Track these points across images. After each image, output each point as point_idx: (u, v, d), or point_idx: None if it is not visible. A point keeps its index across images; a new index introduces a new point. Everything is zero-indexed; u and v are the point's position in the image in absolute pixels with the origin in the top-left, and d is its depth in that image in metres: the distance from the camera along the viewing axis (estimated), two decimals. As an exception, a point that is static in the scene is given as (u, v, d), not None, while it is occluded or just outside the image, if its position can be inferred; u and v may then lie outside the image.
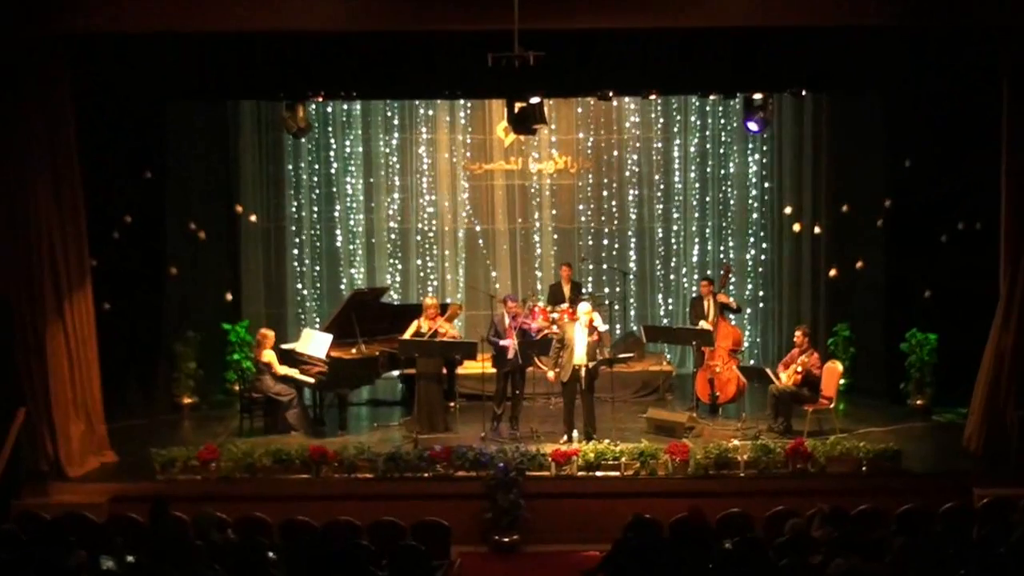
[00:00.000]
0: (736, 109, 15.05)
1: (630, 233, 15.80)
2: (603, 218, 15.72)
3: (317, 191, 15.50)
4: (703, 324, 13.02)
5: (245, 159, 14.90)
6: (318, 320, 15.15)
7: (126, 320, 13.08)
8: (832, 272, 14.13)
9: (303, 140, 14.84)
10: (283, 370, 12.46)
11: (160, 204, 13.61)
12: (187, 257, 13.88)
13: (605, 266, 15.67)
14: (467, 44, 10.84)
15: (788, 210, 14.93)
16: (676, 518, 8.84)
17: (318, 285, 15.64)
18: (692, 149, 15.62)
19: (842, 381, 12.75)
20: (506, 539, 10.63)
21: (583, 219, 15.72)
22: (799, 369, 12.14)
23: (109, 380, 12.06)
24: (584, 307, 11.87)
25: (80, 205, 11.45)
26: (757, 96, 12.74)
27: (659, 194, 15.74)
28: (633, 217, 15.77)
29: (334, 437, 12.07)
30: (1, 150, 11.03)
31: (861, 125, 14.12)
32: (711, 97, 14.41)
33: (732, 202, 15.64)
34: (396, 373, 13.78)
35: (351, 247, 15.62)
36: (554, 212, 15.72)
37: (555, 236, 15.74)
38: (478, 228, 15.70)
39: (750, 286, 15.66)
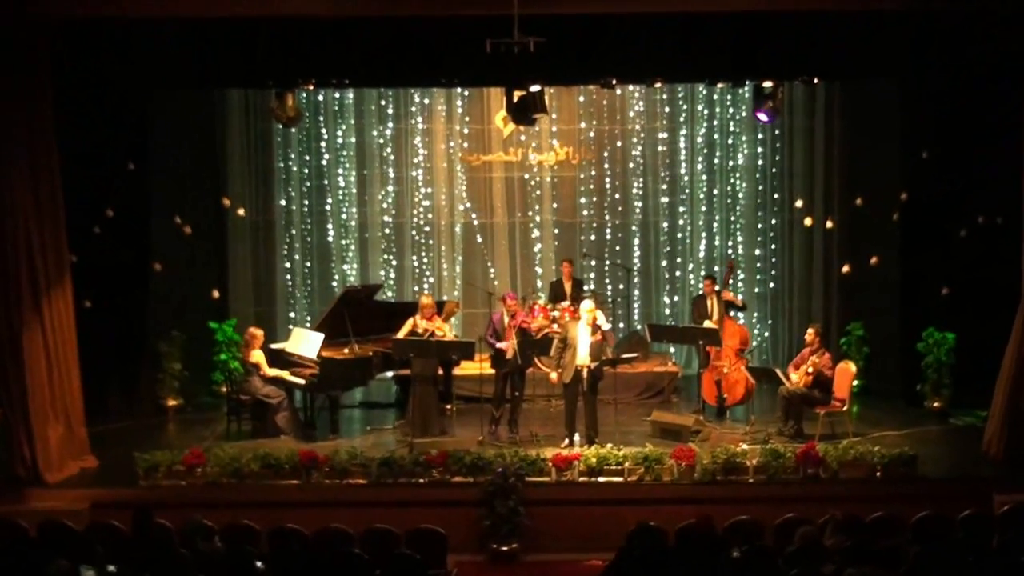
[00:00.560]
0: (745, 98, 15.08)
1: (634, 228, 15.81)
2: (606, 212, 15.73)
3: (308, 183, 15.50)
4: (708, 324, 12.99)
5: (233, 150, 14.89)
6: (309, 319, 15.15)
7: (108, 318, 13.05)
8: (845, 268, 14.08)
9: (293, 130, 14.84)
10: (272, 371, 12.44)
11: (144, 197, 13.58)
12: (172, 253, 13.82)
13: (608, 262, 15.66)
14: (465, 30, 10.82)
15: (799, 204, 14.90)
16: (682, 526, 8.79)
17: (309, 282, 15.65)
18: (699, 140, 15.63)
19: (855, 382, 12.69)
20: (505, 548, 10.59)
21: (585, 213, 15.72)
22: (810, 370, 12.11)
23: (90, 381, 12.02)
24: (587, 305, 11.84)
25: (59, 197, 11.40)
26: (767, 84, 12.70)
27: (664, 187, 15.75)
28: (637, 211, 15.77)
29: (325, 441, 12.05)
30: (-25, 139, 11.01)
31: (875, 114, 14.10)
32: (718, 85, 14.39)
33: (741, 195, 15.64)
34: (390, 374, 13.79)
35: (343, 242, 15.62)
36: (555, 206, 15.72)
37: (556, 231, 15.75)
38: (476, 222, 15.69)
39: (759, 283, 15.66)
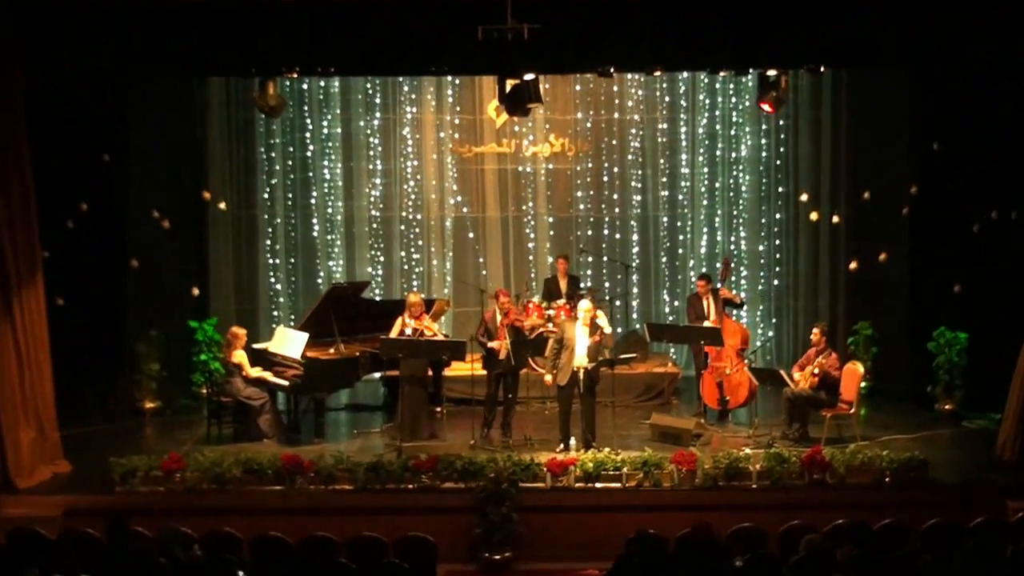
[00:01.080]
0: (748, 86, 15.07)
1: (632, 222, 15.81)
2: (603, 206, 15.73)
3: (292, 176, 15.48)
4: (707, 325, 12.99)
5: (213, 141, 14.84)
6: (293, 317, 15.11)
7: (82, 317, 13.01)
8: (852, 265, 14.08)
9: (276, 120, 14.75)
10: (255, 372, 12.42)
11: (120, 190, 13.56)
12: (150, 248, 13.80)
13: (605, 258, 15.64)
14: (456, 15, 10.80)
15: (804, 197, 14.91)
16: (682, 533, 8.80)
17: (293, 279, 15.64)
18: (700, 130, 15.63)
19: (863, 384, 12.73)
20: (497, 556, 10.57)
21: (581, 207, 15.72)
22: (816, 371, 12.11)
23: (63, 383, 11.99)
24: (585, 304, 11.82)
25: (30, 190, 11.36)
26: (771, 72, 12.68)
27: (664, 180, 15.75)
28: (636, 205, 15.77)
29: (310, 445, 12.04)
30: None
31: (884, 104, 14.09)
32: (721, 73, 14.39)
33: (743, 189, 15.65)
34: (378, 375, 13.77)
35: (329, 237, 15.60)
36: (550, 199, 15.73)
37: (551, 225, 15.73)
38: (467, 217, 15.68)
39: (763, 280, 15.68)
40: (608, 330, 12.05)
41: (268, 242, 15.46)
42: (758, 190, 15.58)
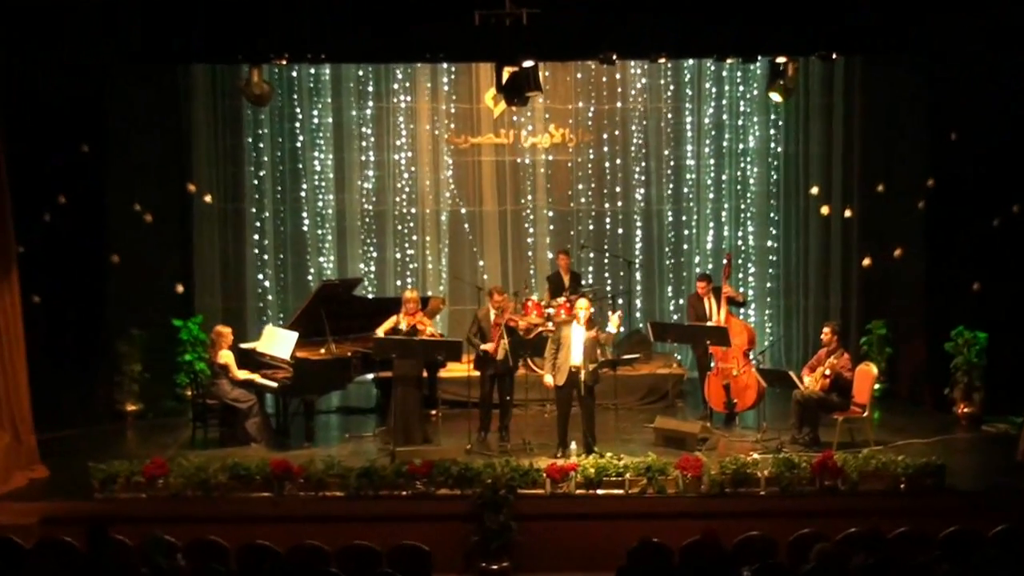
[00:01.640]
0: (757, 74, 15.05)
1: (635, 217, 15.82)
2: (605, 200, 15.74)
3: (281, 168, 15.48)
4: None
5: (199, 131, 14.83)
6: (282, 316, 15.11)
7: (59, 315, 13.02)
8: (866, 261, 14.03)
9: (264, 109, 14.73)
10: (242, 373, 12.42)
11: (100, 182, 13.54)
12: (131, 243, 13.72)
13: (607, 254, 15.63)
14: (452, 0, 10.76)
15: (815, 190, 14.87)
16: (687, 543, 8.79)
17: (282, 275, 15.63)
18: (706, 120, 15.63)
19: (877, 386, 12.73)
20: (495, 566, 10.57)
21: (582, 200, 15.73)
22: (827, 372, 12.10)
23: (40, 384, 11.98)
24: (582, 302, 11.82)
25: (4, 182, 11.35)
26: (780, 59, 12.67)
27: (668, 172, 15.76)
28: (639, 198, 15.78)
29: (300, 450, 12.03)
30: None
31: (900, 92, 14.12)
32: (728, 61, 14.37)
33: (752, 181, 15.65)
34: (370, 376, 13.76)
35: (320, 232, 15.61)
36: (549, 192, 15.69)
37: (550, 219, 15.74)
38: (463, 211, 15.68)
39: (771, 277, 15.68)
40: (612, 330, 12.00)
41: (256, 237, 15.44)
42: (767, 183, 15.56)
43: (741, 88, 15.54)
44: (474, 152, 15.62)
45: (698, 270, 15.47)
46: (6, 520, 10.44)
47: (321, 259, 15.61)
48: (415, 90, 15.49)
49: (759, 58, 13.07)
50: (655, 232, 15.82)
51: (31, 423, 11.70)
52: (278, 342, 12.52)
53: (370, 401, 14.22)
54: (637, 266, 15.70)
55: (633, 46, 12.11)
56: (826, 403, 12.11)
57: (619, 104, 15.60)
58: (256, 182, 15.39)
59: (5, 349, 11.36)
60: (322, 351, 12.59)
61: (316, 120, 15.47)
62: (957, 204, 13.43)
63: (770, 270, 15.68)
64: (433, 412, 12.92)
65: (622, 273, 15.52)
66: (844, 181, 14.88)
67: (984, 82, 12.86)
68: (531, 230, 15.75)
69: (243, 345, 12.98)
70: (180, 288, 14.08)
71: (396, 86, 15.49)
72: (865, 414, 12.09)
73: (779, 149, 15.48)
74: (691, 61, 15.31)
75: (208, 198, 14.68)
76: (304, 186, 15.50)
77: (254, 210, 15.40)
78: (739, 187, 15.67)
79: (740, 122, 15.61)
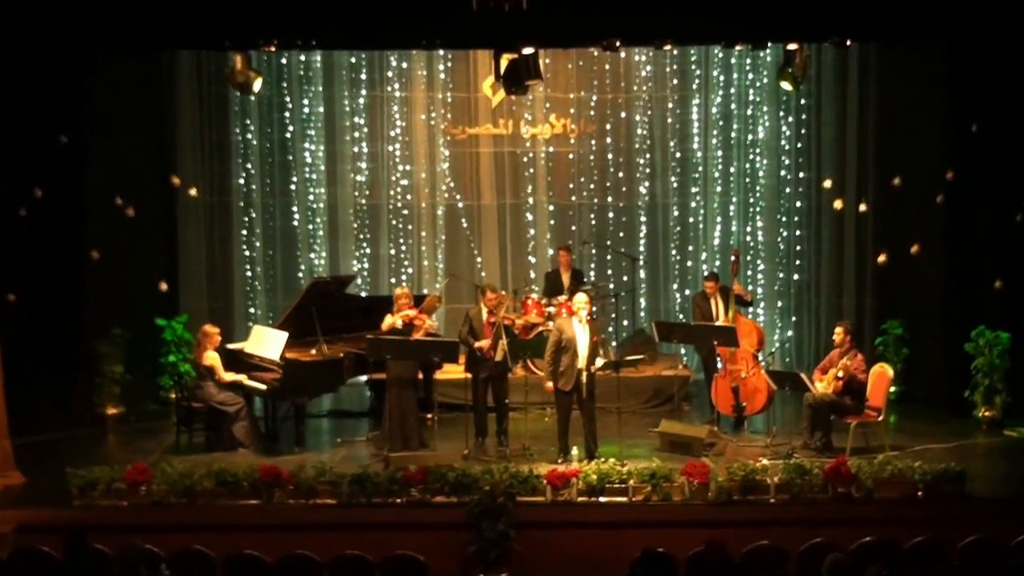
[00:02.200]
0: (767, 62, 15.04)
1: (640, 211, 15.83)
2: (608, 193, 15.78)
3: (270, 159, 15.52)
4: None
5: (183, 121, 14.84)
6: (271, 315, 15.11)
7: (37, 314, 13.00)
8: (881, 258, 14.03)
9: (252, 98, 14.74)
10: (229, 375, 12.42)
11: (79, 175, 13.50)
12: (112, 239, 13.72)
13: (610, 250, 15.61)
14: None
15: (828, 184, 14.87)
16: (694, 552, 8.77)
17: (271, 273, 15.67)
18: (714, 110, 15.65)
19: (893, 388, 12.73)
20: (492, 577, 10.55)
21: (584, 194, 15.76)
22: (840, 374, 12.08)
23: (16, 387, 11.95)
24: (581, 298, 11.77)
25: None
26: (792, 46, 12.64)
27: (674, 164, 15.80)
28: (643, 192, 15.80)
29: (289, 455, 12.02)
30: None
31: (917, 80, 14.12)
32: (737, 48, 14.36)
33: (761, 174, 15.66)
34: (363, 378, 13.76)
35: (310, 227, 15.63)
36: (550, 185, 15.69)
37: (551, 214, 15.74)
38: (460, 205, 15.71)
39: (781, 275, 15.69)
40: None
41: (244, 232, 15.47)
42: (777, 176, 15.56)
43: (750, 76, 15.54)
44: (471, 143, 15.64)
45: (705, 267, 15.49)
46: (-20, 529, 10.47)
47: (312, 255, 15.62)
48: (410, 78, 15.50)
49: (769, 45, 13.06)
50: (660, 227, 15.82)
51: (6, 427, 11.64)
52: (267, 342, 12.50)
53: (363, 404, 14.24)
54: (641, 263, 15.70)
55: (637, 32, 12.12)
56: (839, 406, 12.09)
57: (623, 93, 15.61)
58: (244, 175, 15.41)
59: (-20, 350, 11.36)
60: (313, 352, 12.58)
61: (307, 110, 15.49)
62: (978, 198, 13.45)
63: (780, 267, 15.68)
64: (429, 416, 12.92)
65: (625, 269, 15.50)
66: (859, 174, 14.87)
67: (1007, 70, 12.83)
68: (531, 225, 15.75)
69: (230, 346, 12.97)
70: (164, 286, 14.08)
71: (390, 74, 15.50)
72: (880, 418, 12.07)
73: (790, 141, 15.47)
74: (698, 48, 15.28)
75: (193, 191, 14.67)
76: (294, 179, 15.51)
77: (241, 204, 15.43)
78: (748, 180, 15.67)
79: (749, 112, 15.60)
